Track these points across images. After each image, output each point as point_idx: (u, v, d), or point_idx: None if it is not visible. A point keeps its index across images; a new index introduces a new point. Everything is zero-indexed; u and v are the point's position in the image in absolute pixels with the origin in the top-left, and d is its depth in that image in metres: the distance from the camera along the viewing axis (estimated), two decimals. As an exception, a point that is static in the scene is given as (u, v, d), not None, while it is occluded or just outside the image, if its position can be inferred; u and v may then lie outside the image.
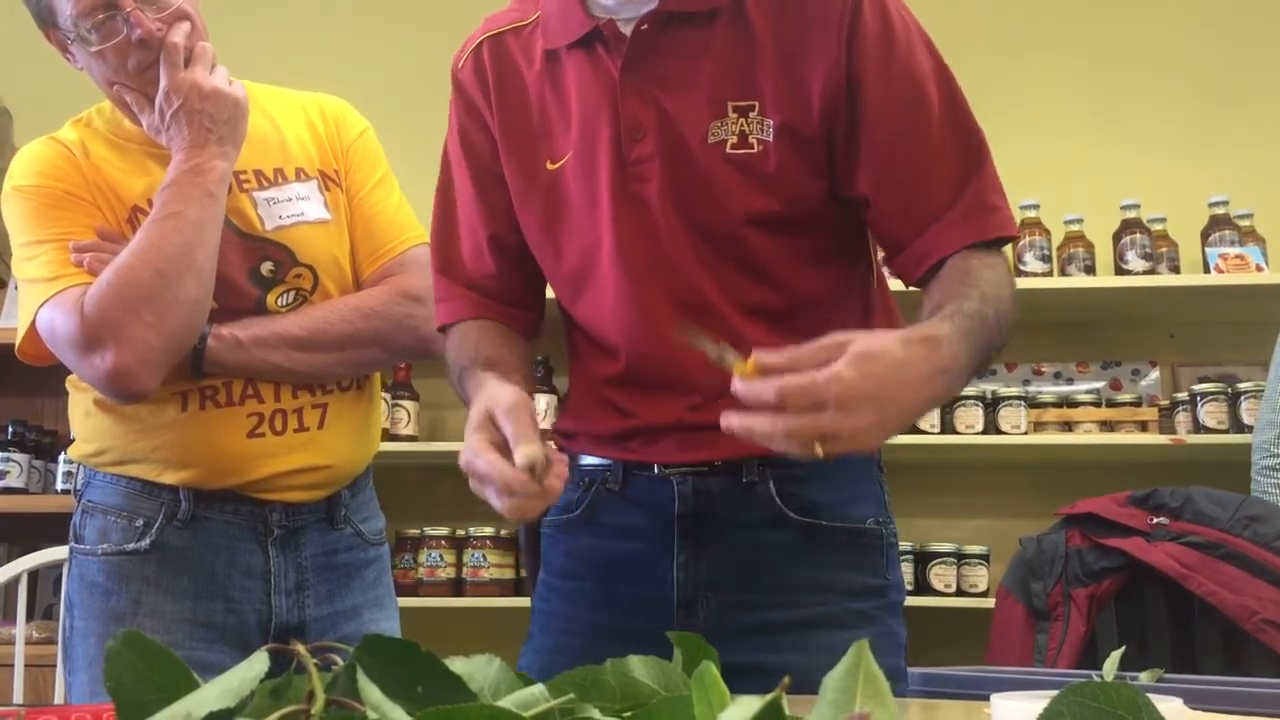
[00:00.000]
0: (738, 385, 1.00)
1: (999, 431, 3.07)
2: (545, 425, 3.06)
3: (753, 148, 1.24)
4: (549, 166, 1.31)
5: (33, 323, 1.51)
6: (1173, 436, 3.02)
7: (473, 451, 1.13)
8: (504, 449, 1.12)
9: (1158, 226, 3.17)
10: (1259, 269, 3.07)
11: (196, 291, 1.47)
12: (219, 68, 1.56)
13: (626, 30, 1.27)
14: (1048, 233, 3.17)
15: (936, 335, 1.10)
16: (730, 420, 1.01)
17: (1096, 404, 3.14)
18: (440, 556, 3.14)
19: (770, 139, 1.23)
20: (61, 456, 3.20)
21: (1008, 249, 2.81)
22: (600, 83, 1.28)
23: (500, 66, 1.35)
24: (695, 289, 1.26)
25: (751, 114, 1.24)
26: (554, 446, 1.13)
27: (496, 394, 1.16)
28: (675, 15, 1.26)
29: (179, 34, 1.51)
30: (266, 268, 1.57)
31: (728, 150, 1.24)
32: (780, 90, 1.24)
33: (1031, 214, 3.17)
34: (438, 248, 1.41)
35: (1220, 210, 3.17)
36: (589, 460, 1.35)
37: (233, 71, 1.58)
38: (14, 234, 1.57)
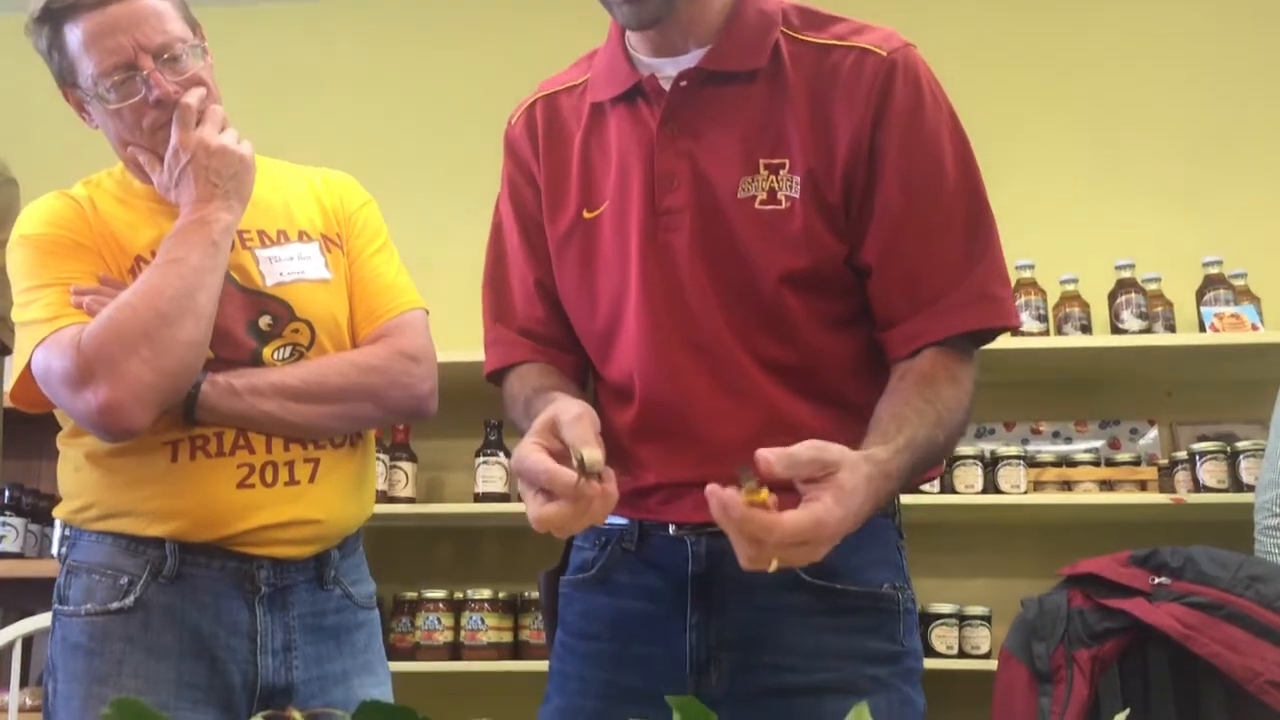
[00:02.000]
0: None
1: (998, 491, 3.06)
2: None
3: (780, 204, 1.26)
4: (586, 215, 1.34)
5: (27, 366, 1.51)
6: (1173, 496, 3.01)
7: (525, 451, 1.12)
8: (561, 457, 1.12)
9: (1152, 286, 3.19)
10: (1254, 328, 3.08)
11: (195, 334, 1.48)
12: (229, 128, 1.59)
13: (667, 85, 1.31)
14: (1043, 292, 3.19)
15: (890, 473, 1.14)
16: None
17: (1096, 463, 3.13)
18: (438, 620, 3.11)
19: (797, 196, 1.26)
20: (56, 521, 3.18)
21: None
22: (639, 134, 1.31)
23: (551, 122, 1.39)
24: (715, 339, 1.28)
25: (781, 171, 1.27)
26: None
27: (564, 404, 1.17)
28: (716, 74, 1.30)
29: (193, 96, 1.56)
30: (265, 321, 1.58)
31: (757, 206, 1.26)
32: (808, 150, 1.26)
33: (1027, 274, 3.19)
34: (491, 296, 1.44)
35: (1214, 269, 3.18)
36: (607, 520, 1.35)
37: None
38: (16, 280, 1.58)
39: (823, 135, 1.26)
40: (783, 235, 1.26)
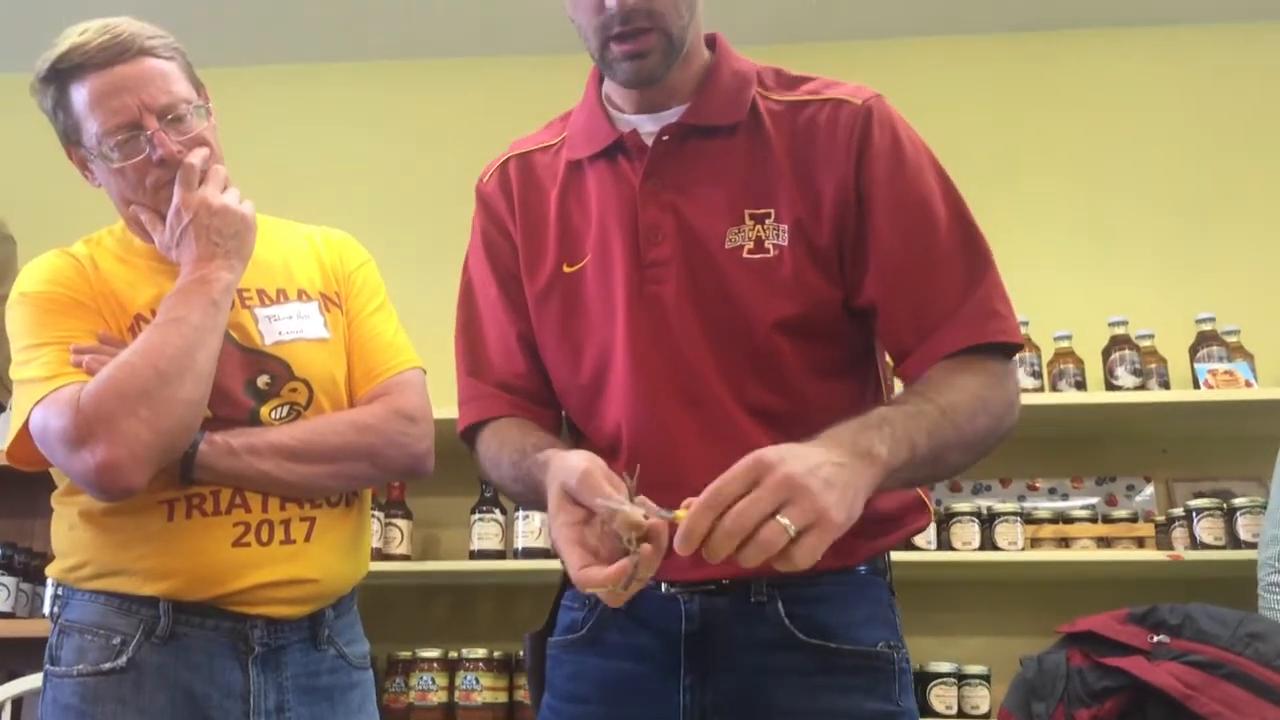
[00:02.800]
0: (677, 536, 0.98)
1: (995, 548, 3.06)
2: (540, 542, 3.06)
3: (769, 253, 1.27)
4: (566, 269, 1.35)
5: (25, 424, 1.51)
6: (1170, 553, 3.00)
7: (562, 545, 1.07)
8: (589, 524, 1.07)
9: (1146, 343, 3.20)
10: (1248, 384, 3.09)
11: (194, 392, 1.48)
12: (231, 188, 1.60)
13: (649, 141, 1.33)
14: (1037, 349, 3.20)
15: (867, 428, 1.09)
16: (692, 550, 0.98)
17: (1093, 520, 3.13)
18: (432, 680, 3.08)
19: (785, 244, 1.27)
20: (48, 580, 3.16)
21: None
22: (621, 189, 1.33)
23: (525, 179, 1.41)
24: (706, 388, 1.28)
25: (767, 221, 1.28)
26: (650, 503, 1.05)
27: (566, 464, 1.11)
28: (697, 128, 1.32)
29: (197, 156, 1.57)
30: (263, 380, 1.59)
31: (745, 255, 1.28)
32: (794, 200, 1.28)
33: (1021, 330, 3.20)
34: (465, 352, 1.43)
35: (1208, 326, 3.20)
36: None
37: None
38: (15, 338, 1.58)
39: (807, 184, 1.29)
40: (773, 283, 1.27)
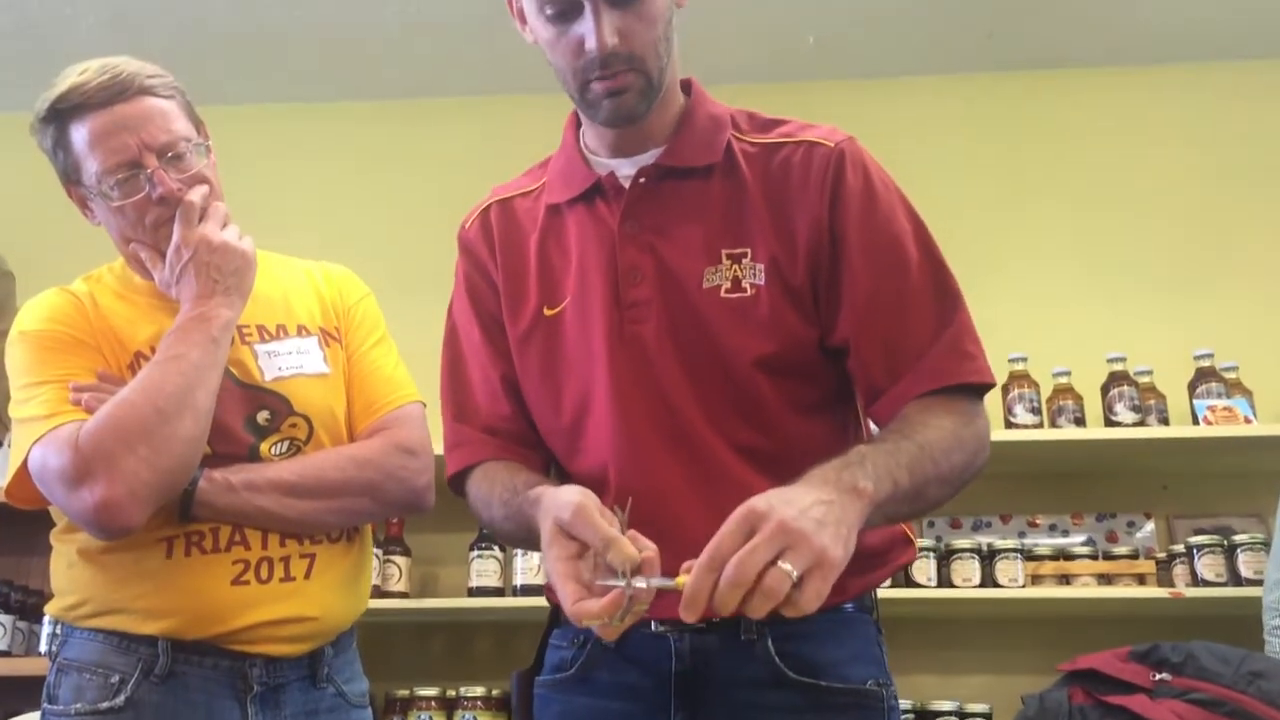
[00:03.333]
0: (683, 604, 0.98)
1: (996, 585, 3.04)
2: (539, 579, 3.04)
3: (746, 291, 1.29)
4: (547, 312, 1.36)
5: (24, 462, 1.51)
6: (1172, 590, 2.99)
7: (556, 579, 1.08)
8: (583, 558, 1.08)
9: (1144, 379, 3.20)
10: (1247, 420, 3.08)
11: (193, 429, 1.47)
12: (231, 225, 1.61)
13: (626, 183, 1.35)
14: (1036, 385, 3.20)
15: (849, 464, 1.10)
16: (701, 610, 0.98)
17: (1093, 556, 3.11)
18: (430, 718, 3.06)
19: (762, 283, 1.29)
20: (46, 618, 3.15)
21: (997, 403, 2.80)
22: (599, 231, 1.34)
23: (506, 225, 1.42)
24: (689, 426, 1.28)
25: (744, 260, 1.30)
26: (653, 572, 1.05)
27: (559, 499, 1.11)
28: (674, 169, 1.34)
29: (196, 194, 1.58)
30: (263, 416, 1.59)
31: (722, 294, 1.29)
32: (770, 240, 1.30)
33: (1020, 366, 3.21)
34: (451, 398, 1.44)
35: (1206, 363, 3.20)
36: None
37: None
38: (14, 376, 1.58)
39: (782, 224, 1.31)
40: (751, 321, 1.28)
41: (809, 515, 1.00)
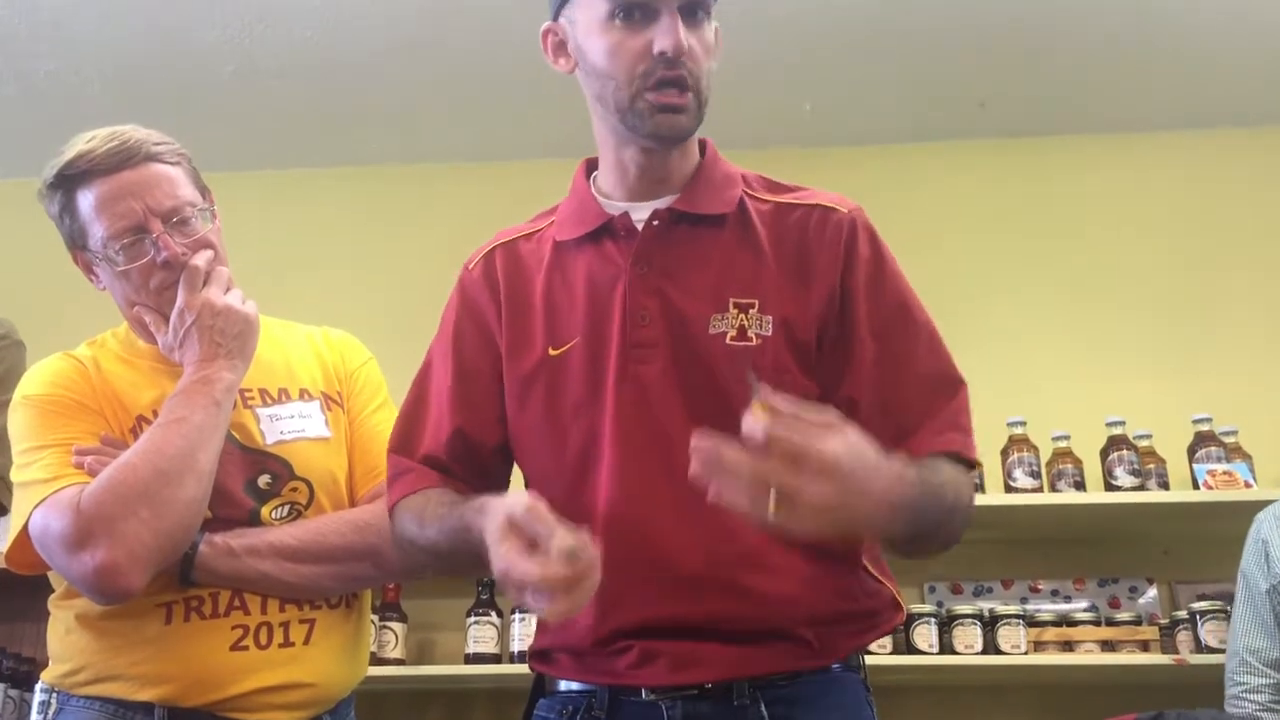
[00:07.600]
0: (745, 420, 1.02)
1: (999, 651, 3.02)
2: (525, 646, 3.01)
3: (751, 341, 1.31)
4: (551, 353, 1.36)
5: (25, 527, 1.50)
6: (1175, 657, 2.96)
7: (505, 561, 1.10)
8: (531, 556, 1.09)
9: (1144, 443, 3.20)
10: (1247, 485, 3.08)
11: (195, 491, 1.47)
12: (234, 289, 1.62)
13: (639, 225, 1.37)
14: (1035, 449, 3.20)
15: (904, 473, 1.14)
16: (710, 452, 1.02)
17: (1096, 622, 3.09)
18: (426, 788, 3.02)
19: (769, 334, 1.31)
20: (38, 686, 3.11)
21: (996, 467, 2.80)
22: (609, 271, 1.36)
23: (512, 268, 1.43)
24: (687, 466, 1.27)
25: (751, 310, 1.32)
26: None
27: (509, 500, 1.15)
28: (687, 215, 1.36)
29: (201, 259, 1.59)
30: (264, 480, 1.59)
31: (728, 341, 1.30)
32: (781, 296, 1.32)
33: (1019, 430, 3.21)
34: (399, 432, 1.44)
35: (1205, 427, 3.21)
36: (571, 686, 1.32)
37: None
38: (17, 441, 1.58)
39: (795, 282, 1.33)
40: (755, 370, 1.28)
41: (850, 482, 1.03)
